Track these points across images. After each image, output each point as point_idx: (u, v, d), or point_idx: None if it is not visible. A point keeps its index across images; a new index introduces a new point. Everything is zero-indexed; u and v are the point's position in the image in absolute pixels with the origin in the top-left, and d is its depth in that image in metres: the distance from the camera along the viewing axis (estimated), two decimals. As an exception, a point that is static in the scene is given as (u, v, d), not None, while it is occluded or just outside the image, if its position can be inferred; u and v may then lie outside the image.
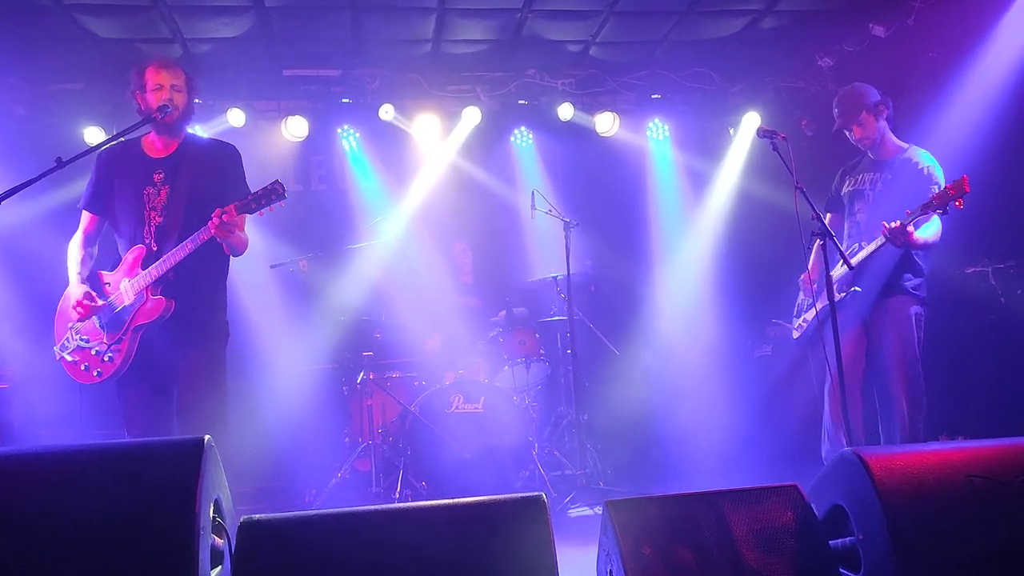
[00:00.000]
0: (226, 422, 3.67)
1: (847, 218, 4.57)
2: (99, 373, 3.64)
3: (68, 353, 3.72)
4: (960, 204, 3.87)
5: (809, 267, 3.99)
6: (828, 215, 4.63)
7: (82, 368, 3.68)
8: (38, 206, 5.40)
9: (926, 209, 3.96)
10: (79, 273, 3.75)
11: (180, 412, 3.64)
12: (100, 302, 3.65)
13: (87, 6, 5.59)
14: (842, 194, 4.62)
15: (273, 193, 3.56)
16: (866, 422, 4.41)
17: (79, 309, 3.62)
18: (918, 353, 4.33)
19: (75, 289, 3.69)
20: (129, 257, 3.66)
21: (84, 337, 3.69)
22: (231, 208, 3.51)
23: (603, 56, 6.88)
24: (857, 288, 4.33)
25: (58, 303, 3.81)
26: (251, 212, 3.58)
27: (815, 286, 4.52)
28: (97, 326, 3.66)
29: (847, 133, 4.50)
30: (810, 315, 4.59)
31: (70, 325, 3.73)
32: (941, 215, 4.00)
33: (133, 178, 3.73)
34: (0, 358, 5.43)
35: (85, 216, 3.85)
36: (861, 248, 4.32)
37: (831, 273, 4.14)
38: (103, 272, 3.77)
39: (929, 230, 4.17)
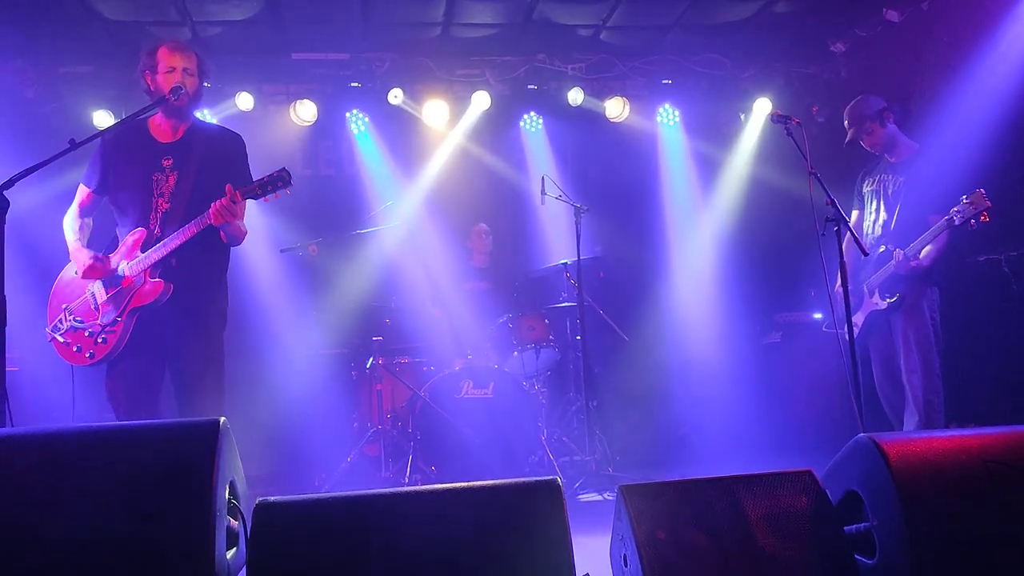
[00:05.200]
0: (223, 406, 3.65)
1: (866, 217, 4.77)
2: (92, 355, 3.61)
3: (60, 335, 3.68)
4: (986, 218, 4.07)
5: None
6: (854, 213, 4.87)
7: (74, 349, 3.65)
8: (49, 189, 5.38)
9: (938, 232, 4.24)
10: (79, 240, 3.74)
11: (178, 395, 3.66)
12: (112, 264, 3.61)
13: (96, -12, 5.58)
14: (863, 193, 4.81)
15: (280, 180, 3.54)
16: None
17: (92, 271, 3.60)
18: (933, 340, 4.41)
19: (80, 254, 3.66)
20: (129, 239, 3.64)
21: (78, 318, 3.66)
22: (236, 193, 3.50)
23: (614, 41, 6.83)
24: (899, 294, 4.48)
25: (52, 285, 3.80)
26: (256, 198, 3.56)
27: (864, 286, 4.69)
28: (92, 307, 3.64)
29: (860, 143, 4.73)
30: (858, 318, 4.69)
31: (65, 306, 3.71)
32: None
33: (142, 162, 3.71)
34: (11, 342, 5.42)
35: (83, 191, 3.83)
36: (888, 250, 4.48)
37: (871, 279, 4.57)
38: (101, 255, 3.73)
39: (933, 250, 4.38)
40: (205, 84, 3.85)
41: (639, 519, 2.42)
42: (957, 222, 4.12)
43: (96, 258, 3.62)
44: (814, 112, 7.04)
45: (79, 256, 3.67)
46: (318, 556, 2.19)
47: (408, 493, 2.35)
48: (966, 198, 4.11)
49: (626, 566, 2.48)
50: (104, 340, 3.59)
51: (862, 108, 4.67)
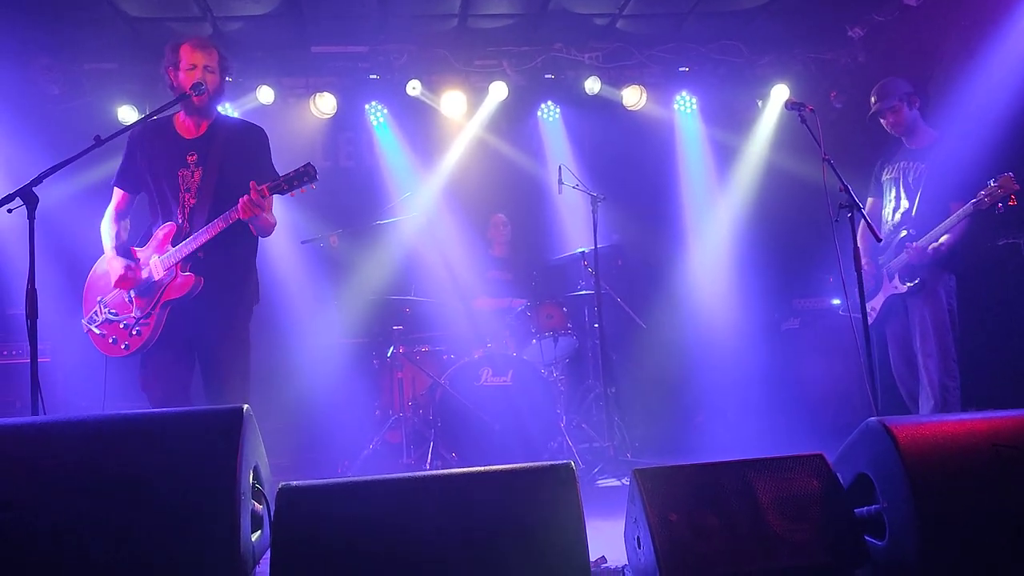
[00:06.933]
0: (248, 395, 3.75)
1: (885, 204, 4.75)
2: (127, 346, 3.72)
3: (96, 326, 3.79)
4: (1014, 201, 4.06)
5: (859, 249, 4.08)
6: (870, 200, 4.87)
7: (110, 341, 3.76)
8: (76, 184, 5.50)
9: (957, 221, 4.26)
10: (114, 247, 3.84)
11: (207, 384, 3.76)
12: (143, 273, 3.72)
13: (118, -15, 5.66)
14: (882, 181, 4.80)
15: (305, 175, 3.60)
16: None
17: (123, 281, 3.70)
18: (949, 326, 4.41)
19: (115, 263, 3.76)
20: (160, 234, 3.73)
21: (113, 311, 3.76)
22: (263, 188, 3.57)
23: (630, 29, 6.83)
24: (920, 279, 4.48)
25: (87, 278, 3.91)
26: (282, 193, 3.63)
27: (883, 270, 4.69)
28: (126, 299, 3.74)
29: (881, 120, 4.71)
30: (877, 302, 4.71)
31: (99, 299, 3.81)
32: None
33: (168, 159, 3.80)
34: (42, 333, 5.56)
35: (117, 192, 3.94)
36: (909, 234, 4.49)
37: (892, 264, 4.57)
38: (135, 248, 3.84)
39: (951, 237, 4.38)
40: (227, 79, 3.92)
41: (652, 502, 2.47)
42: (985, 205, 4.11)
43: (128, 267, 3.72)
44: (832, 98, 6.99)
45: (113, 265, 3.77)
46: (340, 538, 2.26)
47: (425, 477, 2.41)
48: (994, 181, 4.10)
49: (639, 548, 2.53)
50: (138, 332, 3.69)
51: (891, 86, 4.66)
